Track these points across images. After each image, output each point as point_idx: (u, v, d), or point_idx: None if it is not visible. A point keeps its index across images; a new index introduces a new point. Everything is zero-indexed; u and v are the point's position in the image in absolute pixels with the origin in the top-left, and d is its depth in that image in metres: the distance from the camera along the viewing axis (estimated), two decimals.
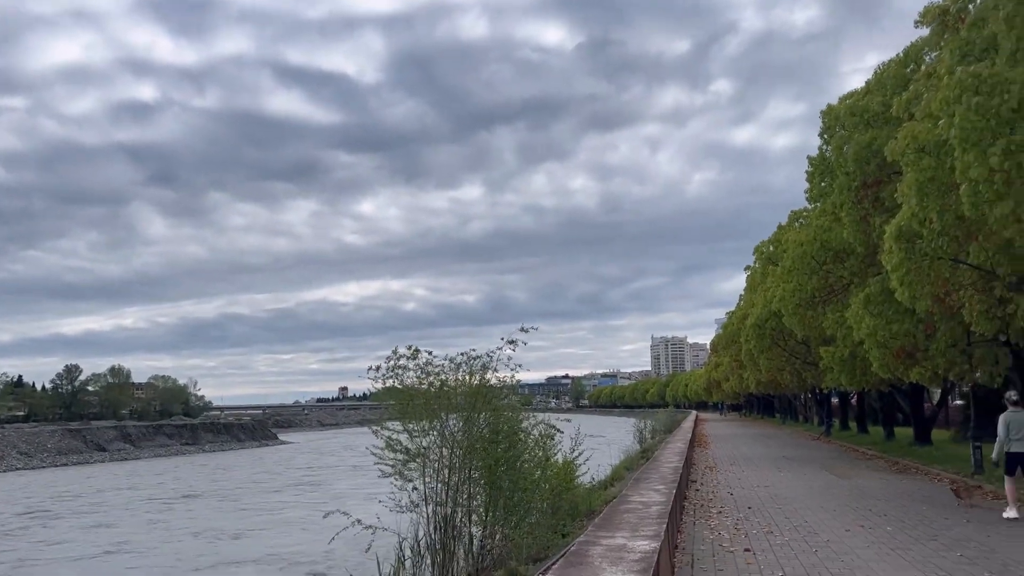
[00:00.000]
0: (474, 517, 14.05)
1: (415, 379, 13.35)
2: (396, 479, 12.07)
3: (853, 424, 43.08)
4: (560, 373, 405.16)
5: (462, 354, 16.95)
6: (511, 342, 17.02)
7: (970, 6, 10.07)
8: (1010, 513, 13.07)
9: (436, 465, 12.68)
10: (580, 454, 19.56)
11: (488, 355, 16.49)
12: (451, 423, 14.86)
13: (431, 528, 11.95)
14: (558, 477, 17.84)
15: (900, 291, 12.64)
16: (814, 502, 15.34)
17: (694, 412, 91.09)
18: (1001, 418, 13.37)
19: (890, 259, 12.59)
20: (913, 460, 23.38)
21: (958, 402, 37.54)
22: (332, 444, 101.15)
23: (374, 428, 12.89)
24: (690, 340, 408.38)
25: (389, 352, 13.45)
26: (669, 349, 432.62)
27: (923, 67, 14.72)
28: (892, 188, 15.36)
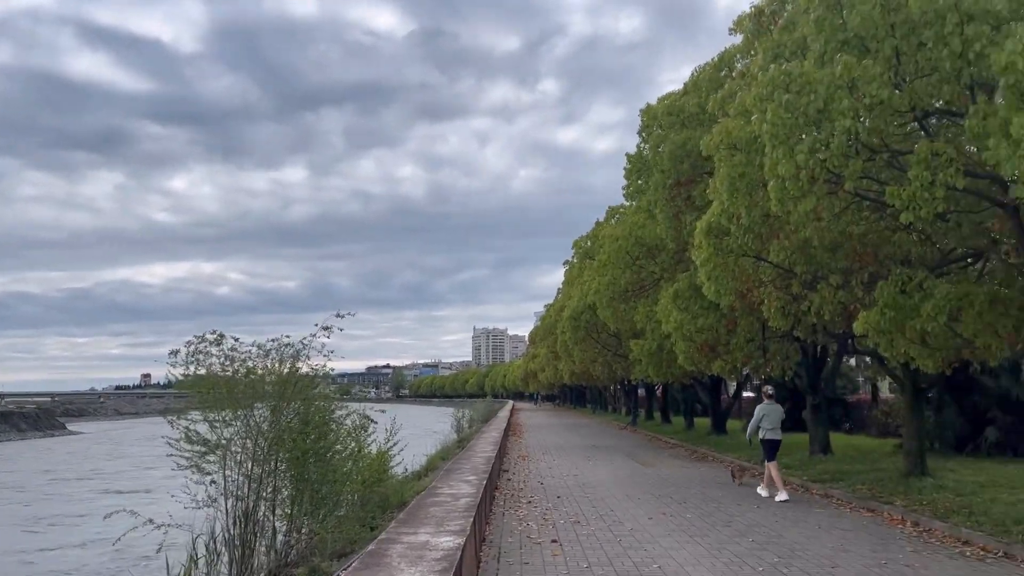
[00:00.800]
0: (279, 511, 13.48)
1: (219, 366, 12.47)
2: (193, 472, 11.16)
3: (658, 414, 45.33)
4: (382, 363, 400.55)
5: (273, 340, 16.00)
6: (326, 328, 16.28)
7: (787, 8, 10.45)
8: (763, 492, 14.62)
9: (239, 457, 11.84)
10: (395, 444, 19.15)
11: (301, 342, 15.68)
12: (258, 413, 14.16)
13: (230, 523, 11.13)
14: (371, 468, 17.33)
15: (707, 286, 13.07)
16: (620, 491, 15.65)
17: (511, 402, 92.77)
18: (757, 408, 15.03)
19: (699, 254, 12.98)
20: (710, 448, 24.72)
21: (750, 394, 40.35)
22: (129, 435, 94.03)
23: (170, 418, 11.84)
24: (510, 332, 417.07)
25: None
26: (490, 340, 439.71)
27: (736, 70, 15.39)
28: (703, 187, 15.92)
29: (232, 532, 11.07)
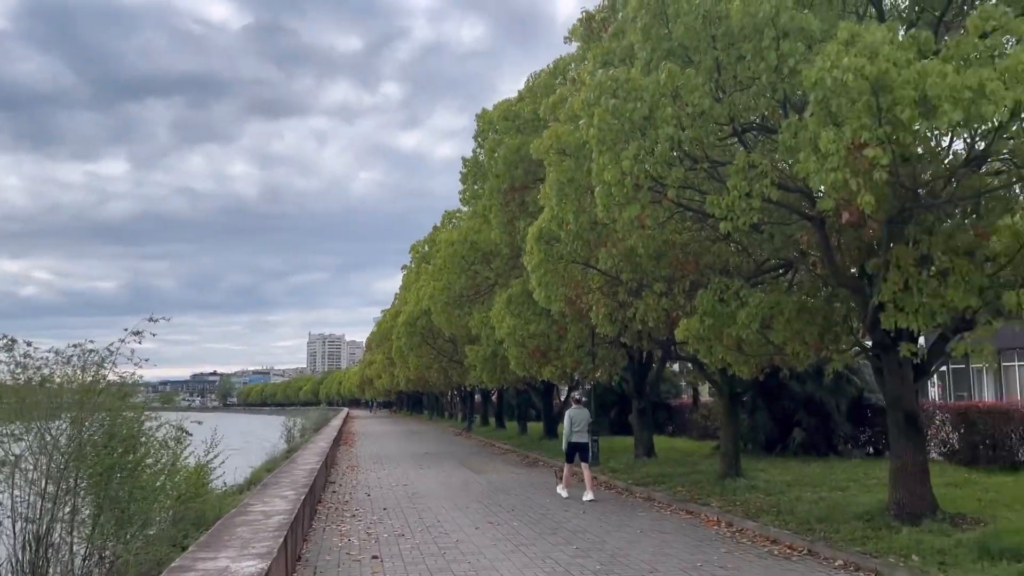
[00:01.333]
0: (77, 533, 12.30)
1: (9, 375, 11.27)
2: None
3: (493, 420, 45.56)
4: (208, 369, 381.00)
5: (75, 346, 14.73)
6: (136, 333, 15.17)
7: (617, 16, 10.54)
8: (562, 492, 15.52)
9: (30, 475, 10.67)
10: (215, 456, 18.00)
11: (107, 348, 14.52)
12: (55, 426, 12.95)
13: (18, 548, 9.95)
14: (188, 483, 16.23)
15: (538, 291, 13.05)
16: (449, 500, 15.34)
17: (346, 409, 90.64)
18: (567, 413, 15.71)
19: (530, 260, 12.94)
20: (542, 453, 24.95)
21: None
22: None
23: None
24: (348, 338, 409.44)
25: None
26: (326, 346, 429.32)
27: (569, 77, 15.57)
28: (537, 192, 15.95)
29: (21, 558, 9.90)
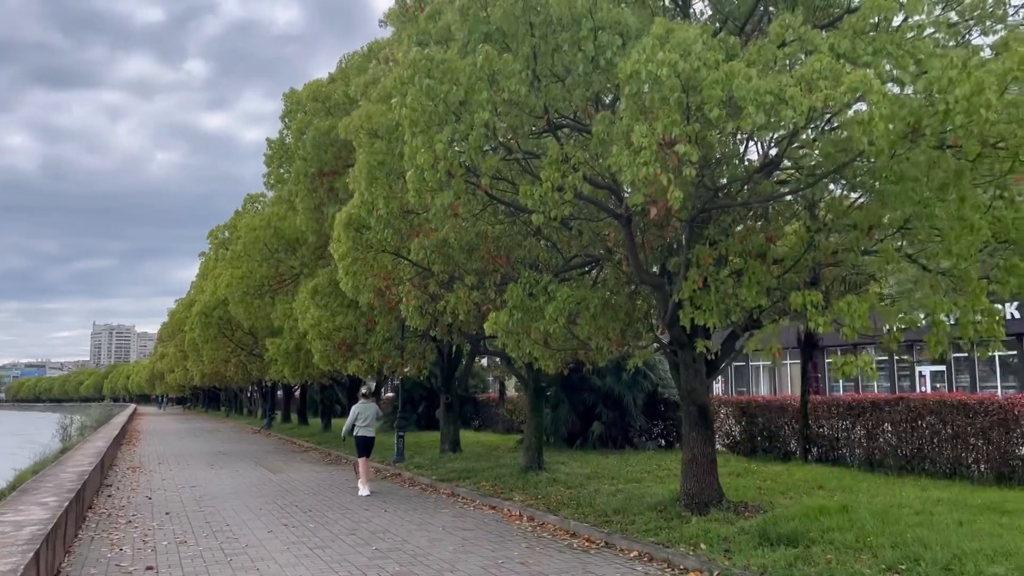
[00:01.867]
0: None
1: None
2: None
3: (295, 416, 43.82)
4: None
5: None
6: None
7: None
8: (363, 491, 15.13)
9: None
10: None
11: None
12: None
13: None
14: None
15: (345, 281, 12.42)
16: (241, 502, 14.33)
17: (133, 405, 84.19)
18: (352, 408, 15.75)
19: (338, 248, 12.30)
20: (345, 451, 24.14)
21: (389, 394, 40.75)
22: None
23: None
24: (139, 329, 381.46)
25: None
26: (114, 338, 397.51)
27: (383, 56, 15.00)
28: (346, 178, 15.29)
29: None
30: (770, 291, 8.86)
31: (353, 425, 15.46)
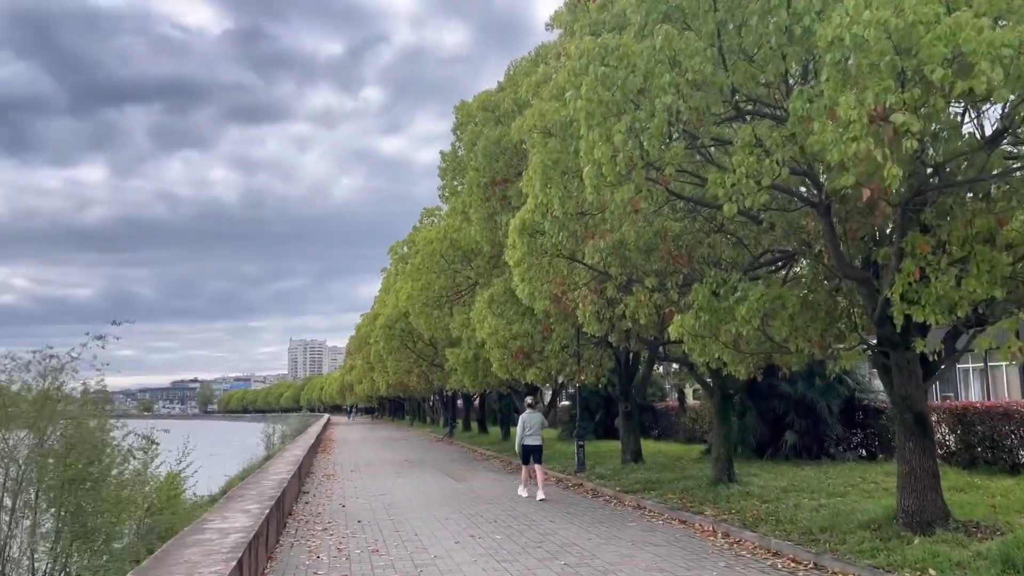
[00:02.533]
0: (40, 547, 11.73)
1: None
2: None
3: (475, 424, 44.64)
4: (189, 376, 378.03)
5: (34, 352, 14.02)
6: (99, 338, 14.48)
7: None
8: (522, 492, 16.20)
9: None
10: (188, 466, 17.28)
11: (69, 354, 13.80)
12: (13, 436, 12.34)
13: None
14: (158, 493, 15.47)
15: (521, 288, 12.22)
16: (428, 511, 14.49)
17: (327, 415, 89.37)
18: (520, 417, 16.41)
19: (513, 254, 12.12)
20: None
21: (566, 402, 40.56)
22: None
23: None
24: (329, 343, 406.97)
25: None
26: (308, 352, 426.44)
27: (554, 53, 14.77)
28: (519, 185, 15.18)
29: None
30: (1005, 280, 7.68)
31: (523, 435, 16.07)
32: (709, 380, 16.03)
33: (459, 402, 49.50)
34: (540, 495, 15.39)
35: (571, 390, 34.09)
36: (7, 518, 12.13)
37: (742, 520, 11.69)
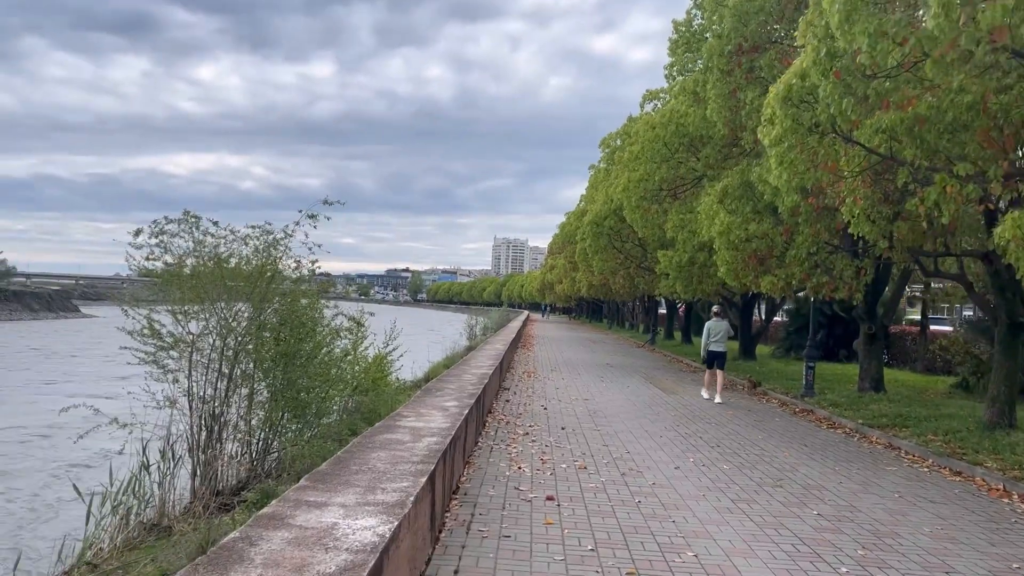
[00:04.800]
0: (254, 417, 11.80)
1: (190, 253, 10.49)
2: (154, 368, 9.45)
3: (678, 334, 42.57)
4: (401, 266, 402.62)
5: (252, 227, 13.92)
6: (311, 216, 14.11)
7: None
8: (705, 394, 16.85)
9: (209, 356, 10.10)
10: (395, 349, 17.16)
11: (283, 230, 13.59)
12: (232, 308, 12.37)
13: (194, 427, 9.63)
14: (366, 373, 15.37)
15: (777, 173, 9.87)
16: (637, 424, 12.95)
17: (526, 312, 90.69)
18: (706, 325, 16.76)
19: (769, 131, 9.76)
20: (737, 375, 21.93)
21: (783, 319, 37.31)
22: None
23: (124, 307, 9.83)
24: (531, 243, 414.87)
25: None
26: (510, 251, 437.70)
27: None
28: (771, 56, 12.57)
29: (198, 437, 9.55)
30: None
31: (707, 341, 16.43)
32: (995, 303, 12.97)
33: (661, 309, 47.48)
34: (717, 398, 16.08)
35: (788, 305, 30.92)
36: (224, 385, 12.28)
37: None
